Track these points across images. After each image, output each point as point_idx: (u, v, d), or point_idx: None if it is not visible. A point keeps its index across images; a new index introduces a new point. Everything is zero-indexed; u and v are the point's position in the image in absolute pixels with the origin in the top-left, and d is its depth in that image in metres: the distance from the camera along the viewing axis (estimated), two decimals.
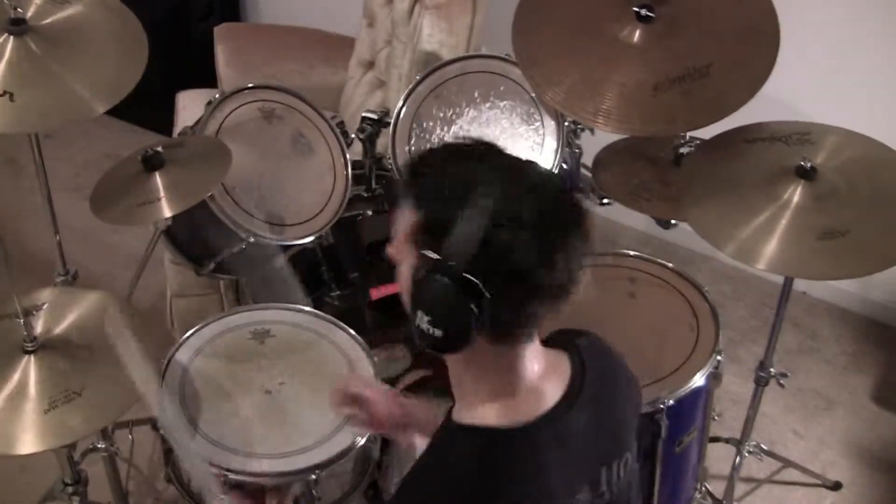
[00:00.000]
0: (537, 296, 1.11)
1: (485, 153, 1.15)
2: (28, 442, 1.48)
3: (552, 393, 1.18)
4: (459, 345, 1.11)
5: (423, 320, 1.09)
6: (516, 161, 1.16)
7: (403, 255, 1.15)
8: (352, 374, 1.71)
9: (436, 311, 1.09)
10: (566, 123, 2.05)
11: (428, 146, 1.19)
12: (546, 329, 1.20)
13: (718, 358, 1.85)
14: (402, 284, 1.16)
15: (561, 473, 1.16)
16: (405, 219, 1.14)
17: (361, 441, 1.64)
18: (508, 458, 1.13)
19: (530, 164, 1.16)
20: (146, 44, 1.77)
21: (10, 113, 1.61)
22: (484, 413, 1.16)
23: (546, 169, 1.16)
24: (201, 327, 1.84)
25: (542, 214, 1.08)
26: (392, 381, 1.96)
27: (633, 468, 1.28)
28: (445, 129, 2.04)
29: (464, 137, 1.18)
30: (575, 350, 1.24)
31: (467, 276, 1.06)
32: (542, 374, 1.18)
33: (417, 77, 2.09)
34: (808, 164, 1.77)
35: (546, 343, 1.22)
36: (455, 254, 1.06)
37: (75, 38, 1.73)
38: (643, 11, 1.93)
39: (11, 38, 1.67)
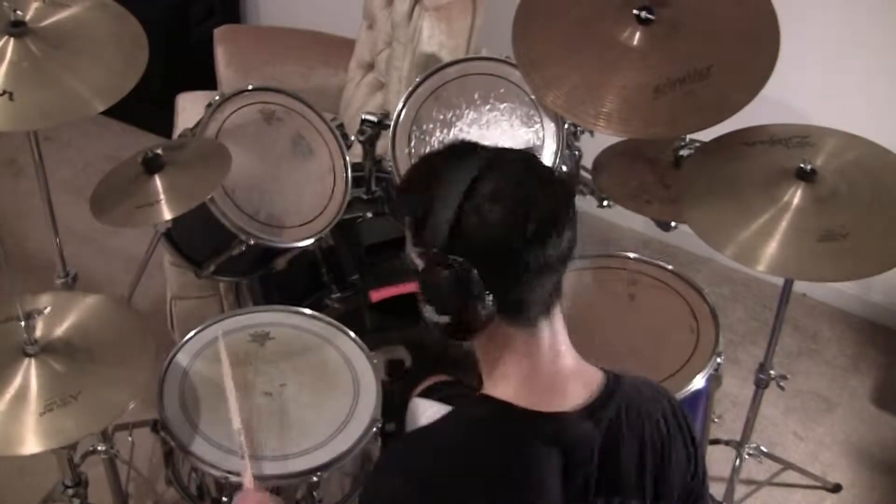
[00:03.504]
0: (528, 269, 1.10)
1: (454, 150, 1.16)
2: (25, 443, 1.47)
3: (574, 395, 1.16)
4: (470, 328, 1.13)
5: (428, 311, 1.13)
6: (486, 147, 1.16)
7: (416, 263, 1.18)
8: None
9: (435, 299, 1.12)
10: (566, 126, 2.05)
11: (427, 149, 1.22)
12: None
13: (718, 360, 1.85)
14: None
15: (556, 478, 1.14)
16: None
17: (364, 442, 1.64)
18: (509, 432, 1.14)
19: (503, 149, 1.17)
20: (146, 45, 1.76)
21: (10, 112, 1.60)
22: (505, 390, 1.17)
23: (520, 150, 1.18)
24: (201, 329, 1.84)
25: (516, 187, 1.09)
26: (392, 381, 1.96)
27: None
28: (445, 131, 2.04)
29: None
30: (613, 374, 1.21)
31: (452, 258, 1.08)
32: (568, 372, 1.17)
33: (417, 79, 2.09)
34: (808, 167, 1.77)
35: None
36: (432, 241, 1.09)
37: (75, 39, 1.73)
38: (643, 14, 1.93)
39: (12, 40, 1.67)
